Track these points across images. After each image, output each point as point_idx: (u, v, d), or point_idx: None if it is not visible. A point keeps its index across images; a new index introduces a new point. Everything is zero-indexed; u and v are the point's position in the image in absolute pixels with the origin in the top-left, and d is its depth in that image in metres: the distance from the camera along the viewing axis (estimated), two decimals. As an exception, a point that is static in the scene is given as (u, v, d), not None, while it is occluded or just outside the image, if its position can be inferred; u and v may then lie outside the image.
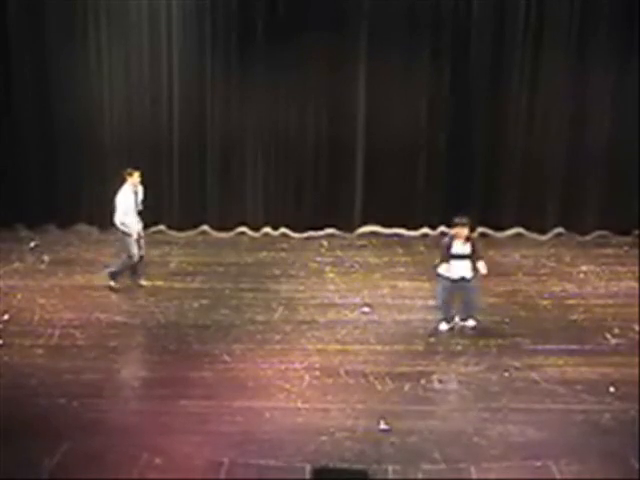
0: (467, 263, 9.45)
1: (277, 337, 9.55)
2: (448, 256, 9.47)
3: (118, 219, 10.52)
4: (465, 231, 9.42)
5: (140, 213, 10.78)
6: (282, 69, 12.91)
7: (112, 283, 10.82)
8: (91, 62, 13.14)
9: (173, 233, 13.56)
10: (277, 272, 11.87)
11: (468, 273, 9.47)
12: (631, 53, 12.75)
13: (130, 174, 10.58)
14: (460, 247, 9.42)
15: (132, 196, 10.62)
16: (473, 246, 9.48)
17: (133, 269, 10.90)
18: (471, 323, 9.69)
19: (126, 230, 10.57)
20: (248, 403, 7.99)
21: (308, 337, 9.55)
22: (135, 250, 10.64)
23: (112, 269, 10.88)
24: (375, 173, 13.43)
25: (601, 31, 12.83)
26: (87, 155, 13.36)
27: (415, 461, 7.01)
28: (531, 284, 11.37)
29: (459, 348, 9.25)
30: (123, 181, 10.63)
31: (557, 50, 12.93)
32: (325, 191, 13.57)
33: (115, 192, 10.60)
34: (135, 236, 10.63)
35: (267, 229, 13.70)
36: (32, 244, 12.84)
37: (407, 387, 8.36)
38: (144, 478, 6.74)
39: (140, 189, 10.75)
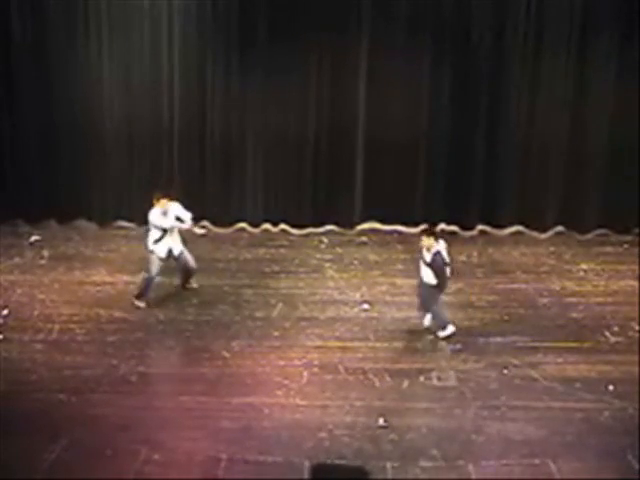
0: (430, 271, 9.21)
1: (276, 333, 9.56)
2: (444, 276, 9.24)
3: (150, 241, 10.19)
4: (424, 240, 9.14)
5: (164, 232, 10.12)
6: (283, 67, 12.86)
7: (136, 302, 10.33)
8: (92, 60, 13.11)
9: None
10: (276, 268, 11.87)
11: (430, 280, 9.26)
12: (632, 51, 12.72)
13: (158, 199, 10.00)
14: (427, 255, 9.21)
15: (161, 218, 10.04)
16: (434, 256, 9.11)
17: (186, 275, 10.69)
18: (440, 334, 9.42)
19: (153, 249, 10.21)
20: (247, 399, 8.00)
21: (307, 334, 9.55)
22: (155, 270, 10.24)
23: (136, 292, 10.44)
24: (375, 170, 13.41)
25: (601, 34, 12.83)
26: (87, 151, 13.35)
27: (413, 458, 7.02)
28: (530, 282, 11.36)
29: (458, 345, 9.26)
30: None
31: (558, 50, 12.87)
32: (325, 188, 13.55)
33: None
34: (163, 256, 10.19)
35: (267, 225, 13.68)
36: (32, 239, 12.84)
37: (406, 384, 8.37)
38: (143, 474, 6.76)
39: (175, 207, 10.19)
